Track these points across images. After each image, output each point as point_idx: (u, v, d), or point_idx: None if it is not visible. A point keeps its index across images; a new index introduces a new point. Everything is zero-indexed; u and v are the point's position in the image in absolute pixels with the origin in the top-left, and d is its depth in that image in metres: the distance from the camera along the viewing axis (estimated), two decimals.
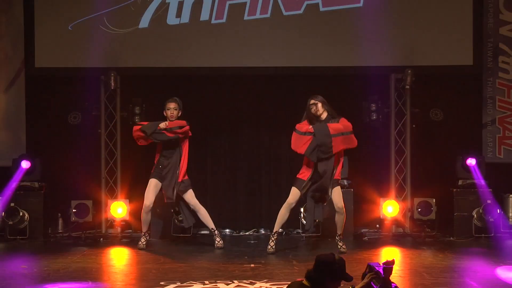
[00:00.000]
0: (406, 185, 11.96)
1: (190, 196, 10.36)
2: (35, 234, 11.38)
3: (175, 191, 10.28)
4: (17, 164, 11.39)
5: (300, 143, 9.68)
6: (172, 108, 10.31)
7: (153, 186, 10.33)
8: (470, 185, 11.53)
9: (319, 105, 9.75)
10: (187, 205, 10.49)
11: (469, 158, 11.50)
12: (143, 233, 10.49)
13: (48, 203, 11.75)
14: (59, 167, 12.02)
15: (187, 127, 10.29)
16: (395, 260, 4.61)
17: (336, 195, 9.76)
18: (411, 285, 7.78)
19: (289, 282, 7.41)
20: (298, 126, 9.79)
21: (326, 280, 4.71)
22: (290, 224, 11.53)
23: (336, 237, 9.99)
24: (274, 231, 10.02)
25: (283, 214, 9.90)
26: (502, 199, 11.68)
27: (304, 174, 9.81)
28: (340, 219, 9.86)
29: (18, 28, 12.05)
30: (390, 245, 10.87)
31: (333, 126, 9.64)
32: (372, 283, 4.69)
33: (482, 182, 11.37)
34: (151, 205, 10.33)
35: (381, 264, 4.68)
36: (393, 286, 4.64)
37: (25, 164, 11.36)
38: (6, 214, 11.20)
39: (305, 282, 4.80)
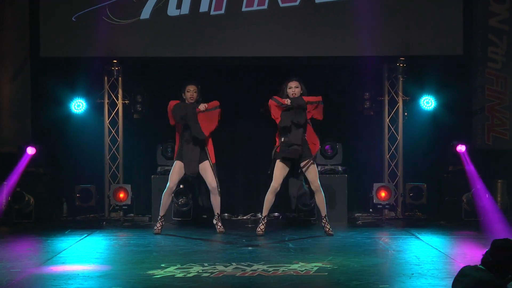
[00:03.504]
0: (398, 171, 12.04)
1: (211, 179, 9.93)
2: (40, 218, 11.41)
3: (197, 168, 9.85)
4: (22, 150, 11.39)
5: (277, 113, 9.50)
6: (192, 91, 9.89)
7: (177, 168, 9.88)
8: (460, 171, 11.57)
9: (298, 90, 9.51)
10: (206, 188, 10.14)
11: (459, 145, 11.58)
12: (159, 217, 10.06)
13: (53, 188, 11.87)
14: (64, 153, 12.17)
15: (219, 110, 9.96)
16: None
17: (312, 173, 9.46)
18: (402, 264, 7.58)
19: (286, 264, 7.45)
20: (276, 97, 9.57)
21: (504, 264, 4.70)
22: (287, 208, 11.58)
23: (323, 220, 9.67)
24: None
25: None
26: (491, 184, 11.70)
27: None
28: (320, 199, 9.51)
29: (23, 19, 12.09)
30: (382, 228, 10.88)
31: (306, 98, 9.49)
32: None
33: (472, 168, 11.39)
34: (174, 187, 9.99)
35: None
36: None
37: (30, 150, 11.36)
38: (12, 198, 11.22)
39: (480, 266, 4.77)
